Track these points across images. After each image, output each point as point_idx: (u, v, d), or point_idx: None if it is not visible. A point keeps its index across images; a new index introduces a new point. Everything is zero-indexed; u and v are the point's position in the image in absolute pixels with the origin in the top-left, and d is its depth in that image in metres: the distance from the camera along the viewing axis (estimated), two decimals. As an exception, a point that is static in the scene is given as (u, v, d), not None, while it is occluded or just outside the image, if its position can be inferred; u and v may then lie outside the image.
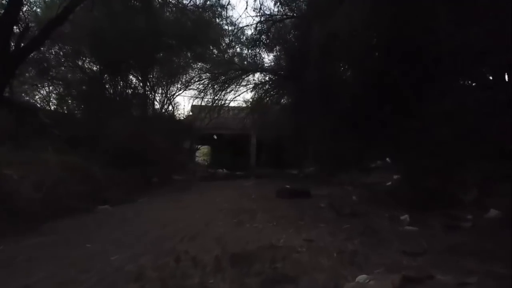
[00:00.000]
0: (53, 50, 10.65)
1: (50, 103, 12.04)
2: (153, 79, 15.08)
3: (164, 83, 16.23)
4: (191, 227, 4.63)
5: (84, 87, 10.73)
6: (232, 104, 18.47)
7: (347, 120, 10.55)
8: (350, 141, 10.92)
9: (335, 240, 3.73)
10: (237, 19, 16.70)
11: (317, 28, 8.62)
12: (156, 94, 15.66)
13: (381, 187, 7.94)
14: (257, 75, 16.09)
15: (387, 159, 9.77)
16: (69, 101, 10.94)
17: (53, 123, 10.17)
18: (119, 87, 11.62)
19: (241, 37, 15.00)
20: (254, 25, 12.04)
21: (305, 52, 9.91)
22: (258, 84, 15.93)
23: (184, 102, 23.14)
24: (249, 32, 14.58)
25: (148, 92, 15.20)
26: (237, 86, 16.36)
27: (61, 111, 11.25)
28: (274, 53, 13.41)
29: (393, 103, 8.89)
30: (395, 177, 8.37)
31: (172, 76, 15.68)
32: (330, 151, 11.97)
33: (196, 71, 16.23)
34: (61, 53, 10.92)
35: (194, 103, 18.88)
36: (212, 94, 16.24)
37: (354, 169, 10.48)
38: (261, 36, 11.76)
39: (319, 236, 3.89)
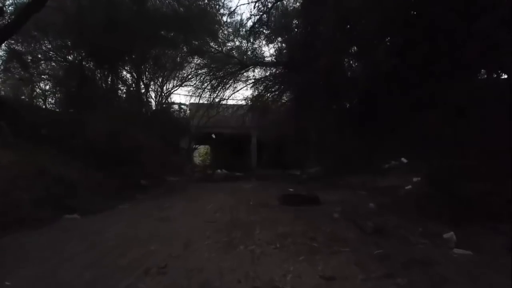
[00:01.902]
0: (31, 39, 9.36)
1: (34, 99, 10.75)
2: (147, 74, 13.79)
3: (160, 79, 14.97)
4: (165, 250, 3.36)
5: (64, 78, 9.44)
6: (231, 101, 17.22)
7: (358, 114, 9.24)
8: (360, 138, 9.64)
9: (369, 278, 2.45)
10: (236, 7, 15.24)
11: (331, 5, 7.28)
12: (151, 90, 14.37)
13: (401, 192, 6.66)
14: (257, 70, 14.81)
15: (403, 159, 8.46)
16: (48, 94, 9.67)
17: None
18: (105, 80, 10.34)
19: (240, 30, 13.75)
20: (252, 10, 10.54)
21: (313, 38, 8.61)
22: (258, 80, 14.63)
23: (180, 99, 21.79)
24: (249, 24, 13.31)
25: (143, 88, 13.98)
26: (236, 82, 15.07)
27: (43, 106, 10.00)
28: (275, 45, 12.11)
29: (414, 91, 7.55)
30: (415, 179, 7.10)
31: (167, 70, 14.39)
32: (337, 150, 10.66)
33: (193, 66, 14.93)
34: (42, 42, 9.67)
35: (191, 101, 17.66)
36: (210, 90, 14.97)
37: (364, 171, 9.20)
38: (261, 22, 10.38)
39: (342, 270, 2.61)
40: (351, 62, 9.38)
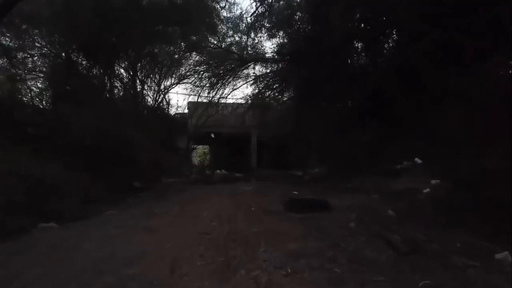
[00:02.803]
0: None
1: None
2: (143, 70, 13.01)
3: (157, 76, 14.18)
4: (146, 275, 2.60)
5: (51, 72, 8.65)
6: (231, 100, 16.42)
7: (366, 110, 8.46)
8: (368, 136, 8.88)
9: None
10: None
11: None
12: (147, 87, 13.57)
13: (419, 196, 5.90)
14: (258, 67, 14.03)
15: (416, 159, 7.71)
16: (37, 90, 8.89)
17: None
18: (97, 75, 9.55)
19: (240, 24, 12.99)
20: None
21: (318, 30, 7.84)
22: (259, 77, 13.86)
23: (177, 97, 20.91)
24: (249, 17, 12.51)
25: (139, 85, 13.18)
26: (236, 80, 14.29)
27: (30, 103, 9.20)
28: (278, 39, 11.30)
29: (431, 84, 6.80)
30: (433, 182, 6.35)
31: (165, 67, 13.61)
32: (342, 150, 9.88)
33: (191, 62, 14.14)
34: (29, 35, 8.88)
35: (190, 99, 16.87)
36: (209, 87, 14.19)
37: (373, 172, 8.44)
38: (263, 14, 9.60)
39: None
40: (360, 54, 8.58)
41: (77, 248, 3.44)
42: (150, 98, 14.13)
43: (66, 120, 7.82)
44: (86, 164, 7.41)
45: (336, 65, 8.24)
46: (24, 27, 9.04)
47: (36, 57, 9.07)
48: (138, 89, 12.69)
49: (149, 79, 13.93)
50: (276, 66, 12.77)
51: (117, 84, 11.62)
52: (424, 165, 7.43)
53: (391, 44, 8.61)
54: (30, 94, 8.58)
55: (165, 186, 9.81)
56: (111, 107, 9.17)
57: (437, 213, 4.62)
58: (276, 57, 11.74)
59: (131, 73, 12.59)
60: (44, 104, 8.79)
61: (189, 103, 17.38)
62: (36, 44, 9.24)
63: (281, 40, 11.42)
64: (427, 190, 6.10)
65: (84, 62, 9.34)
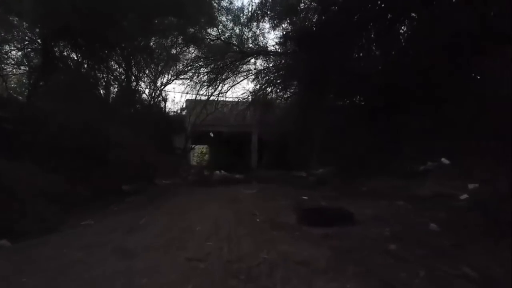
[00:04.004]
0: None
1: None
2: (138, 64, 11.90)
3: (153, 71, 13.09)
4: None
5: (29, 63, 7.56)
6: (231, 97, 15.36)
7: (380, 104, 7.34)
8: (383, 133, 7.80)
9: None
10: None
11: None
12: (142, 83, 12.49)
13: (457, 203, 4.84)
14: (259, 62, 12.96)
15: (443, 158, 6.64)
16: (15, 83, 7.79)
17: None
18: (82, 66, 8.46)
19: (241, 17, 11.93)
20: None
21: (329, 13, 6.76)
22: (260, 72, 12.78)
23: (174, 95, 20.06)
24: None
25: (133, 81, 12.08)
26: (236, 75, 13.22)
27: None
28: (283, 26, 10.15)
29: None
30: (471, 186, 5.30)
31: (161, 61, 12.54)
32: (353, 148, 8.78)
33: (188, 57, 13.06)
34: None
35: (188, 97, 15.80)
36: (208, 83, 13.11)
37: (389, 173, 7.37)
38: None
39: None
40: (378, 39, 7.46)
41: (13, 283, 2.36)
42: (146, 95, 13.08)
43: (43, 115, 6.75)
44: (67, 165, 6.34)
45: (348, 53, 7.15)
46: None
47: (13, 47, 7.94)
48: (132, 85, 11.58)
49: (144, 75, 12.87)
50: (279, 60, 11.70)
51: (106, 77, 10.50)
52: (453, 166, 6.38)
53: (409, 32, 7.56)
54: (5, 85, 7.45)
55: (159, 189, 8.72)
56: (99, 102, 8.06)
57: (490, 226, 3.58)
58: (281, 42, 10.50)
59: (125, 68, 11.53)
60: (22, 98, 7.67)
61: (187, 100, 16.32)
62: (14, 32, 8.15)
63: (287, 26, 10.28)
64: (465, 196, 5.06)
65: (69, 54, 8.22)
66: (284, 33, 9.47)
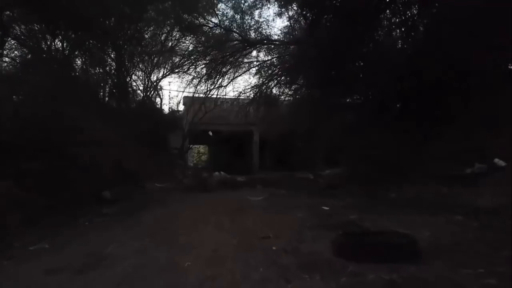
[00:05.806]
0: None
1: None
2: (129, 55, 10.47)
3: (146, 63, 11.67)
4: None
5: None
6: (231, 94, 13.98)
7: (413, 94, 5.91)
8: (412, 128, 6.35)
9: None
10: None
11: None
12: (135, 77, 11.06)
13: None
14: (262, 54, 11.57)
15: (496, 159, 5.26)
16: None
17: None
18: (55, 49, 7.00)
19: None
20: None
21: None
22: (263, 65, 11.39)
23: (169, 92, 18.73)
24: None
25: (125, 74, 10.65)
26: (237, 68, 11.82)
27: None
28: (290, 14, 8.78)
29: None
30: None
31: (155, 53, 11.12)
32: (372, 146, 7.36)
33: (185, 45, 11.64)
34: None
35: (185, 94, 14.37)
36: (206, 77, 11.71)
37: (422, 176, 5.96)
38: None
39: None
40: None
41: None
42: (136, 87, 11.65)
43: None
44: (24, 167, 4.90)
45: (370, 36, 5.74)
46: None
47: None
48: (121, 76, 10.15)
49: (138, 67, 11.44)
50: (284, 51, 10.31)
51: (86, 61, 8.97)
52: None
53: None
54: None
55: (147, 195, 7.27)
56: (74, 90, 6.61)
57: None
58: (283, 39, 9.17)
59: (115, 59, 10.11)
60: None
61: (184, 98, 14.90)
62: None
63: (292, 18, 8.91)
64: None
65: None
66: (298, 10, 8.00)
